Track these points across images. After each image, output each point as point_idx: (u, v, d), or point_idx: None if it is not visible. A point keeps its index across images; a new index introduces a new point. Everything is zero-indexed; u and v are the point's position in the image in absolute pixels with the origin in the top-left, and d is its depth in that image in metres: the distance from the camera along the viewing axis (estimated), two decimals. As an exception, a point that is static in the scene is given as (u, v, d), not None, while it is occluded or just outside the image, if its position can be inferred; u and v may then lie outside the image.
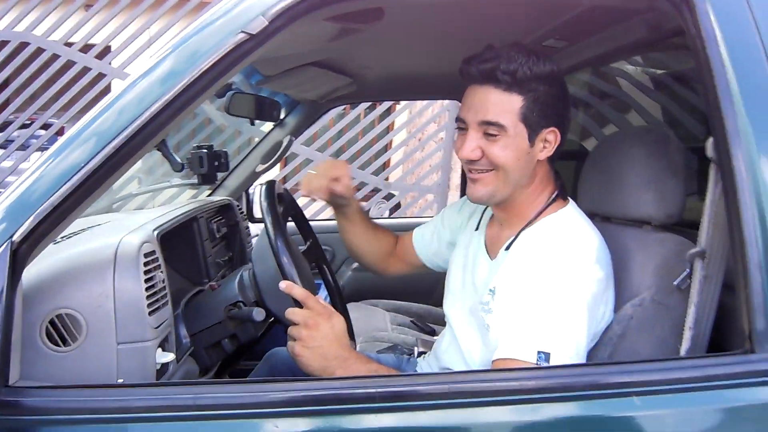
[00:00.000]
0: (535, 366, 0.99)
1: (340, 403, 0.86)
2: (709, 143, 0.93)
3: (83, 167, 0.85)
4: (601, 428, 0.88)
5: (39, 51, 4.18)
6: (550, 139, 1.13)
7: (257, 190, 1.32)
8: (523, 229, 1.16)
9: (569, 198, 1.21)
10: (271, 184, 1.24)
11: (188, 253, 1.46)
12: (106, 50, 4.25)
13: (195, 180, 1.68)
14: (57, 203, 0.84)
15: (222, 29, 0.92)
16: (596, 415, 0.87)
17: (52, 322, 0.96)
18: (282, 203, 1.29)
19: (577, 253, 1.07)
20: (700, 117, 1.40)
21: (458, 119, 1.15)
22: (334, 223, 2.75)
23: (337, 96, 1.98)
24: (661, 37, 1.20)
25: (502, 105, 1.08)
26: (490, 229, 1.28)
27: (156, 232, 1.17)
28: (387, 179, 4.62)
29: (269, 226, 1.13)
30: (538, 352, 1.00)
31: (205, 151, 1.64)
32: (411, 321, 2.04)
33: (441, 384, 0.88)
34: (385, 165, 4.83)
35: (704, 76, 0.92)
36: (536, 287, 1.05)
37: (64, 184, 0.85)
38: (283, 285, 1.09)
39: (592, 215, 1.28)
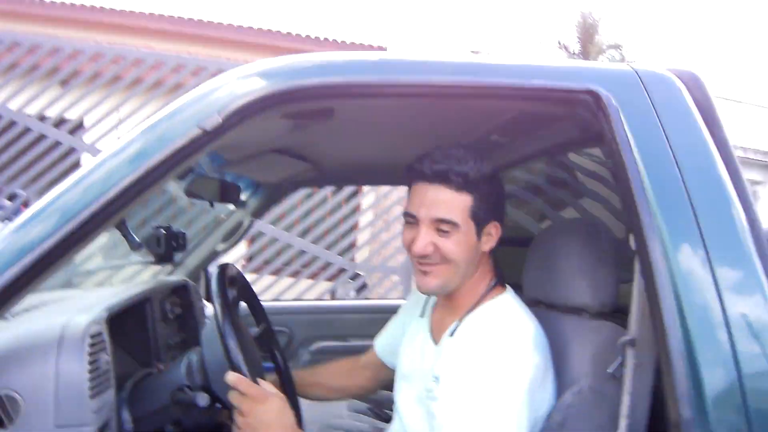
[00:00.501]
0: None
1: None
2: (632, 237, 1.01)
3: (36, 248, 0.88)
4: None
5: (11, 123, 4.23)
6: (492, 233, 1.20)
7: (216, 271, 1.34)
8: (465, 315, 1.20)
9: (507, 285, 1.26)
10: (223, 268, 1.26)
11: (139, 335, 1.45)
12: (79, 126, 4.32)
13: (152, 259, 1.70)
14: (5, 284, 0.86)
15: (180, 123, 0.98)
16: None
17: None
18: (234, 286, 1.31)
19: (514, 340, 1.11)
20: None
21: (407, 214, 1.19)
22: (293, 304, 2.77)
23: (298, 180, 2.04)
24: (592, 137, 1.31)
25: (454, 203, 1.14)
26: (434, 315, 1.32)
27: (105, 314, 1.17)
28: (353, 259, 4.65)
29: (218, 309, 1.15)
30: None
31: (163, 231, 1.66)
32: (368, 408, 2.02)
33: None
34: (352, 245, 4.88)
35: (620, 176, 1.00)
36: (475, 377, 1.08)
37: (13, 265, 0.87)
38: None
39: (537, 303, 1.32)
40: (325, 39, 7.88)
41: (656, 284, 0.94)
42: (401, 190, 4.80)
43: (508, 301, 1.21)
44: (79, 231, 0.91)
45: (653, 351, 1.00)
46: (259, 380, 1.13)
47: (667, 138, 1.00)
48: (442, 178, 1.14)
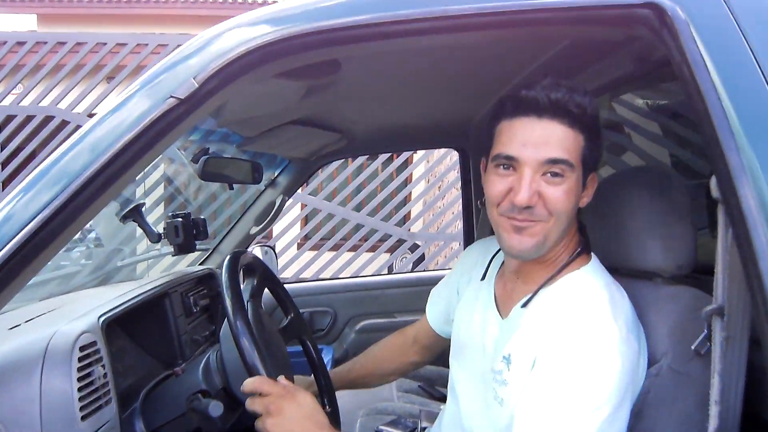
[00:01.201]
0: None
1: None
2: (713, 182, 0.79)
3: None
4: None
5: (64, 123, 4.34)
6: (589, 185, 1.00)
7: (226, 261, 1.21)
8: (542, 286, 1.00)
9: (592, 253, 1.04)
10: (235, 257, 1.12)
11: (160, 333, 1.33)
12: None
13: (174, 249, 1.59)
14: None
15: (153, 94, 0.84)
16: None
17: None
18: (253, 276, 1.18)
19: (609, 326, 0.90)
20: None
21: (503, 156, 0.95)
22: (335, 282, 2.63)
23: (329, 152, 1.89)
24: (651, 69, 1.08)
25: (569, 141, 0.93)
26: (500, 280, 1.11)
27: (102, 319, 1.05)
28: (410, 231, 4.54)
29: (228, 305, 1.01)
30: None
31: (181, 219, 1.55)
32: (419, 386, 1.88)
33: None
34: (406, 217, 4.76)
35: (697, 107, 0.79)
36: (564, 370, 0.89)
37: None
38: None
39: None
40: None
41: (751, 239, 0.73)
42: (454, 156, 4.59)
43: (595, 275, 1.00)
44: (48, 229, 0.79)
45: (746, 321, 0.81)
46: (284, 378, 1.00)
47: (754, 55, 0.78)
48: (558, 109, 0.92)
